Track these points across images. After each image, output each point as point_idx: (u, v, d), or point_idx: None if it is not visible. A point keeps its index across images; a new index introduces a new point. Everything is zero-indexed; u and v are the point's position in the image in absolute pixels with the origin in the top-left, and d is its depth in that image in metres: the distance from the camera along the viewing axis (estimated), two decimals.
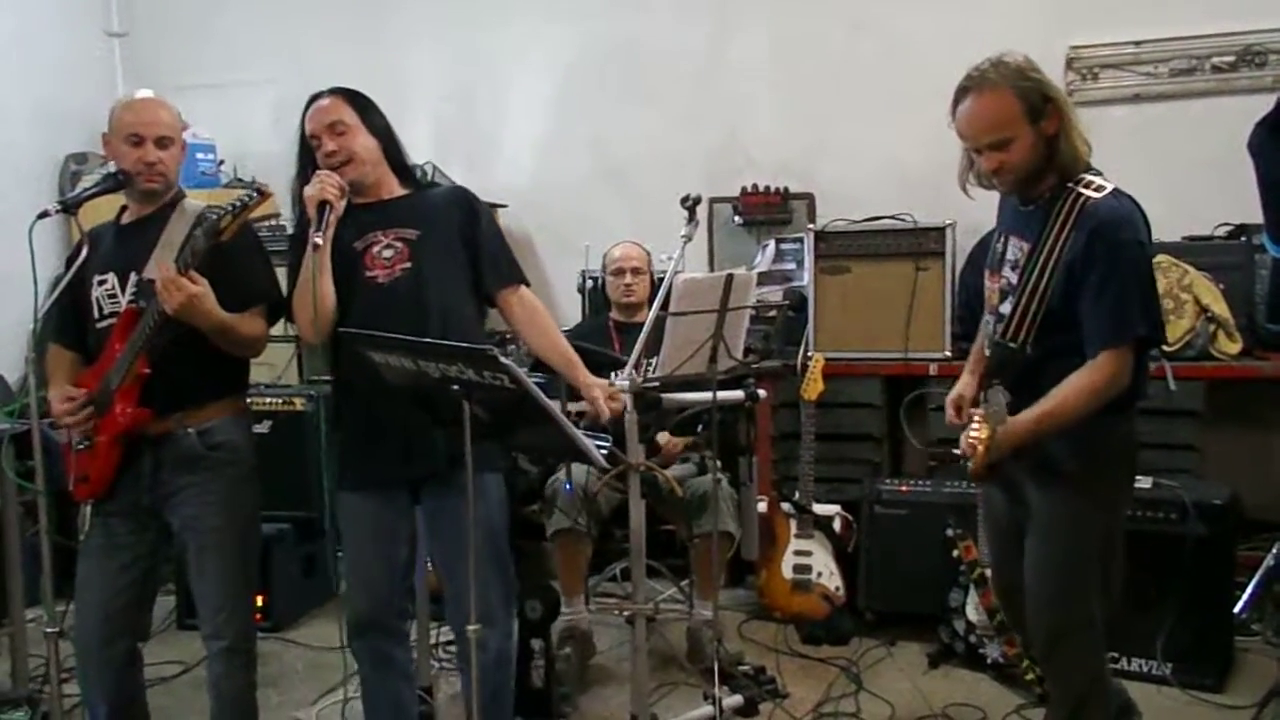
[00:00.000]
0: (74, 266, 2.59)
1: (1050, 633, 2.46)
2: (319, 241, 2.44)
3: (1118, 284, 2.20)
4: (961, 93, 2.34)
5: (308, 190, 2.51)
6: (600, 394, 2.64)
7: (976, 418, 2.35)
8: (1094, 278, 2.21)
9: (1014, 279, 2.38)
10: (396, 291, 2.57)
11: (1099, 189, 2.26)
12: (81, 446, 2.58)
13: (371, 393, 2.52)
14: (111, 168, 2.67)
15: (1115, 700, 2.65)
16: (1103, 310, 2.21)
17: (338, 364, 2.69)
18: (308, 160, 2.64)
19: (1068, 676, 2.50)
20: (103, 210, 2.73)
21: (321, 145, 2.59)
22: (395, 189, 2.70)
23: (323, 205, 2.47)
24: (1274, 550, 3.39)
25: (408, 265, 2.59)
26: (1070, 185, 2.28)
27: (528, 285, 2.77)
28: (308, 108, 2.65)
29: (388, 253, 2.60)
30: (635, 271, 4.01)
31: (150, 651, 2.78)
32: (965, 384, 2.61)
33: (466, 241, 2.67)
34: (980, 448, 2.27)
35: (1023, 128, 2.27)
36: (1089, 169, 2.32)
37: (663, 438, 3.72)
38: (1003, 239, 2.49)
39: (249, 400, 2.83)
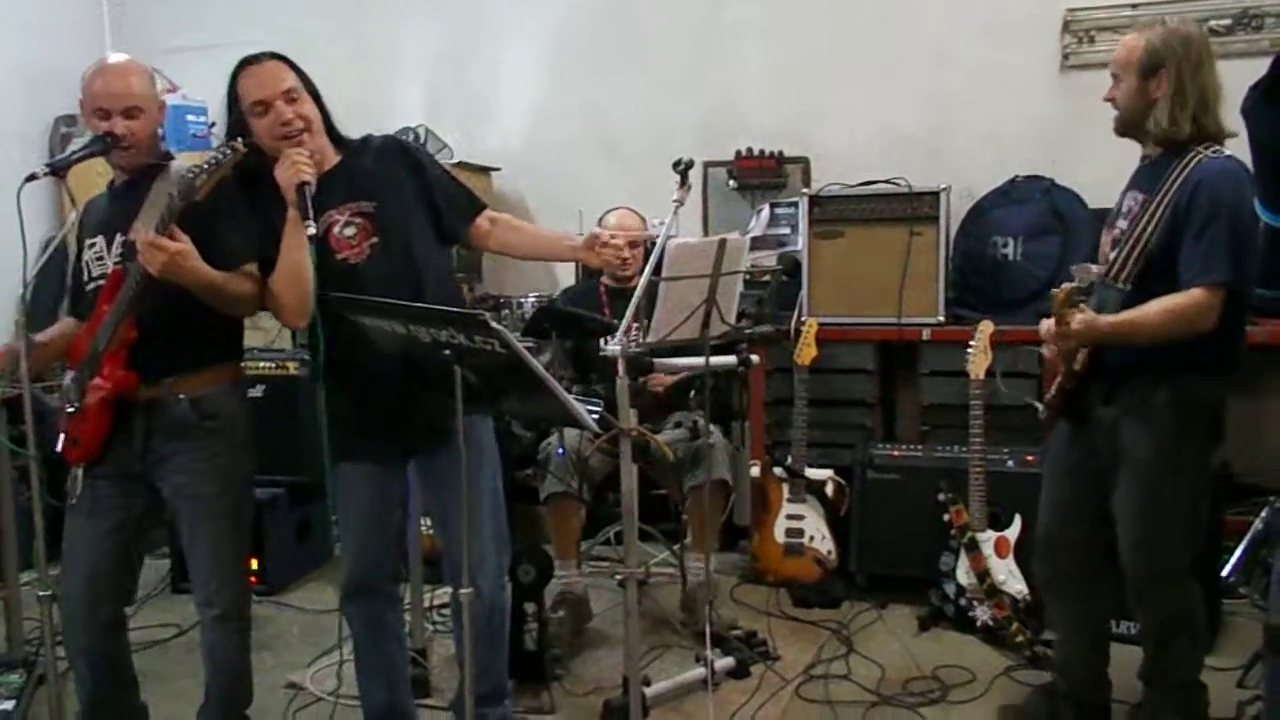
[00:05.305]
0: (61, 233, 2.58)
1: (1146, 575, 2.62)
2: (313, 231, 2.34)
3: (1214, 230, 2.37)
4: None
5: (281, 175, 2.41)
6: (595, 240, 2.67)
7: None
8: (1194, 222, 2.39)
9: (1126, 226, 2.53)
10: (371, 270, 2.51)
11: (1216, 152, 2.46)
12: (71, 410, 2.57)
13: (361, 366, 2.50)
14: None
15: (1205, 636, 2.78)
16: (1197, 251, 2.39)
17: (322, 341, 2.61)
18: (242, 131, 2.52)
19: (1157, 614, 2.67)
20: (92, 173, 2.71)
21: (272, 112, 2.48)
22: (332, 157, 2.60)
23: (302, 187, 2.38)
24: (1262, 515, 3.41)
25: (375, 240, 2.53)
26: (1194, 148, 2.46)
27: (486, 207, 2.76)
28: (239, 71, 2.54)
29: (349, 230, 2.53)
30: (631, 244, 3.88)
31: (144, 615, 2.79)
32: None
33: (421, 196, 2.63)
34: (1062, 295, 2.40)
35: (1132, 76, 2.51)
36: (1210, 143, 2.47)
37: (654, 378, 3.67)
38: (1124, 195, 2.64)
39: (243, 365, 2.81)
